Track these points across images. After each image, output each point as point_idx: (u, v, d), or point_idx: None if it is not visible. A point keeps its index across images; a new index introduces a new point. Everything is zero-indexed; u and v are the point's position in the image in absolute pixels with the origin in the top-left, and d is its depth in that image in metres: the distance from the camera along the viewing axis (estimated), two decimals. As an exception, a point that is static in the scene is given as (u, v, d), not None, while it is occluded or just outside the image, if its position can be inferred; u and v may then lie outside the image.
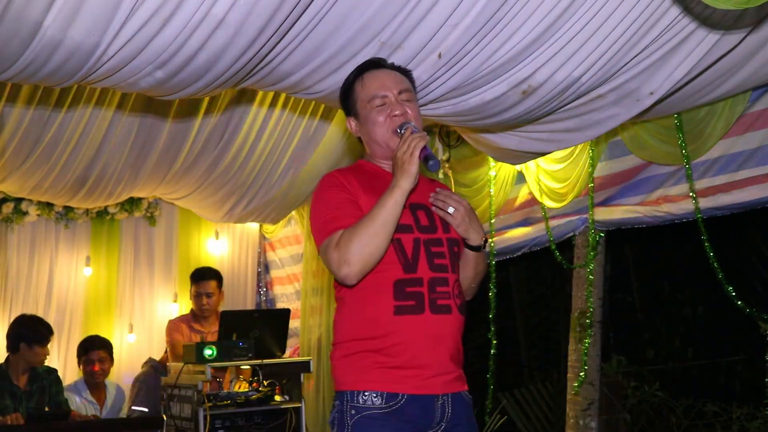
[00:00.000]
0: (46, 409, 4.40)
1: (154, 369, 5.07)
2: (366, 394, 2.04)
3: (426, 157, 2.05)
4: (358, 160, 2.35)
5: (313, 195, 2.21)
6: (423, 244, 2.12)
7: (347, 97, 2.30)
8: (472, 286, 2.32)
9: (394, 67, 2.32)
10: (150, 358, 5.35)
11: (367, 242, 1.99)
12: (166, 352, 5.23)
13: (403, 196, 2.03)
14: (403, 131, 2.13)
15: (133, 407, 4.91)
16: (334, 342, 2.17)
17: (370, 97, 2.22)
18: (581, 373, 4.54)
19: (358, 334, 2.09)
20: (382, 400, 2.03)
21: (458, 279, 2.20)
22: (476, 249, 2.23)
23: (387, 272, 2.07)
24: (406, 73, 2.33)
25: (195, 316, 4.96)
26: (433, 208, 2.19)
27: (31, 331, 4.46)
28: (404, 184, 2.03)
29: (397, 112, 2.19)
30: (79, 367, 5.07)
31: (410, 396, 2.04)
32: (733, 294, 3.86)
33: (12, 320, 4.79)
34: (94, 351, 4.93)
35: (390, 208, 2.01)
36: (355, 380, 2.07)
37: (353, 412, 2.04)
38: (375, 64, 2.31)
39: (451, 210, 2.17)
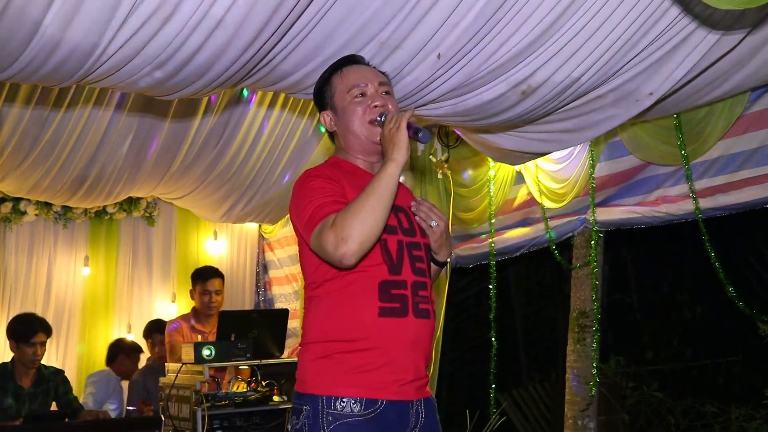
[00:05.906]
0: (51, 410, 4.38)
1: (150, 368, 5.09)
2: (344, 400, 1.96)
3: (415, 130, 1.98)
4: (331, 157, 2.24)
5: (295, 190, 2.09)
6: (406, 246, 2.09)
7: (323, 92, 2.20)
8: None
9: (371, 66, 2.26)
10: (148, 357, 5.37)
11: (365, 217, 1.87)
12: (156, 351, 5.23)
13: (398, 169, 1.94)
14: (382, 119, 2.07)
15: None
16: (306, 341, 2.08)
17: (349, 88, 2.14)
18: (595, 377, 4.53)
19: (337, 335, 2.00)
20: (361, 407, 1.96)
21: (431, 285, 2.18)
22: (442, 265, 2.24)
23: (372, 272, 2.01)
24: (384, 74, 2.26)
25: (197, 315, 4.94)
26: (417, 218, 2.16)
27: (20, 327, 4.39)
28: (397, 156, 1.94)
29: (377, 103, 2.13)
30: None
31: (389, 402, 1.99)
32: (734, 294, 3.86)
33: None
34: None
35: (386, 181, 1.91)
36: (332, 384, 1.98)
37: (330, 419, 1.95)
38: (354, 59, 2.25)
39: (433, 224, 2.14)
